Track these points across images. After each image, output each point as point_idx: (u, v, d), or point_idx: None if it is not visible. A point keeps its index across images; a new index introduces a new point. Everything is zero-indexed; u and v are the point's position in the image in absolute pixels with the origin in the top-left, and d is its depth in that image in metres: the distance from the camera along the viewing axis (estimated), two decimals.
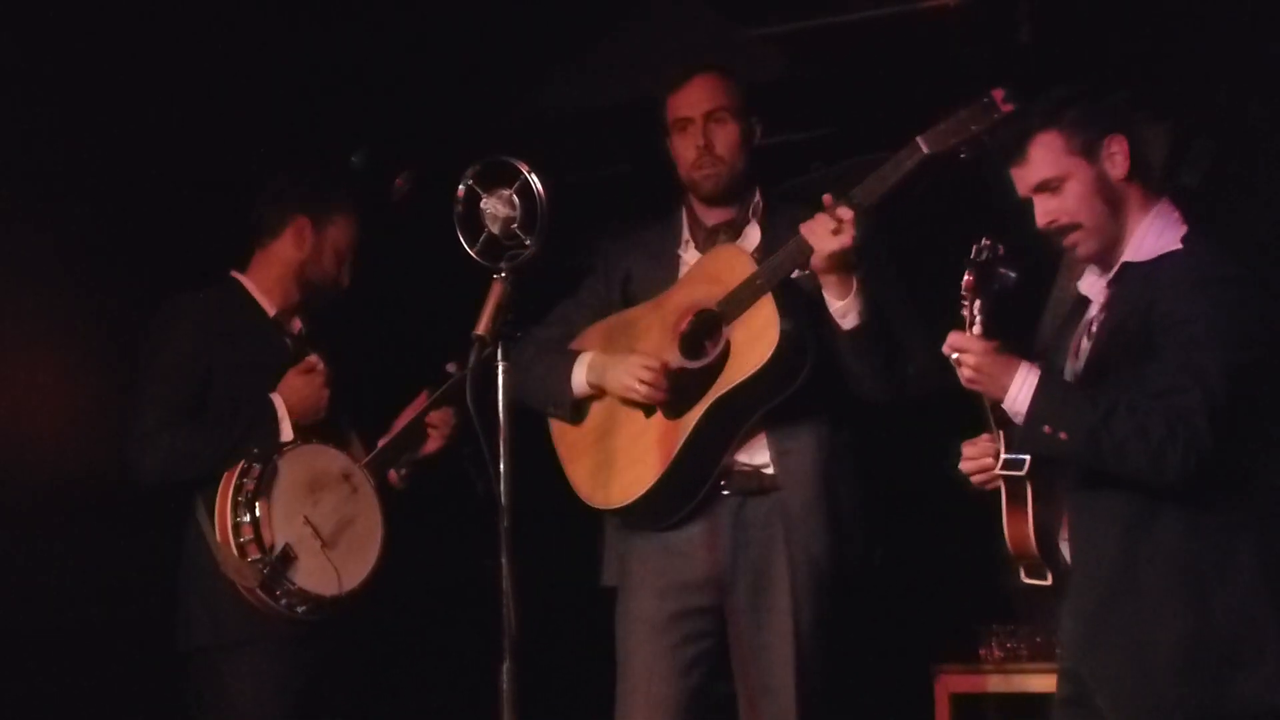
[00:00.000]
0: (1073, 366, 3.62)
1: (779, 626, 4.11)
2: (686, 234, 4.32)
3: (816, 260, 3.95)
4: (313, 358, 4.49)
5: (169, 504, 4.41)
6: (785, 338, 3.98)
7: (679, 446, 4.10)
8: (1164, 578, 3.42)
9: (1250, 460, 3.42)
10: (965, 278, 3.46)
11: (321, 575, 4.32)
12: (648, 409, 4.19)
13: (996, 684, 5.48)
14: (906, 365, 4.12)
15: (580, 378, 4.25)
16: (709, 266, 4.18)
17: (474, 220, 3.71)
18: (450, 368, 4.54)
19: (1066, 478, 3.56)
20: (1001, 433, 3.54)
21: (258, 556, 4.23)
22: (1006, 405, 3.48)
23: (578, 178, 4.47)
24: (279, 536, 4.26)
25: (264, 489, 4.26)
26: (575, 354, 4.28)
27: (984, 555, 5.56)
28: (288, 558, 4.26)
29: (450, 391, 4.54)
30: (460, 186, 3.73)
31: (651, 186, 4.43)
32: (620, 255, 4.38)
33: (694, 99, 4.25)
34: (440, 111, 5.54)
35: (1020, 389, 3.44)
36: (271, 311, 4.52)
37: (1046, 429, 3.42)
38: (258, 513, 4.24)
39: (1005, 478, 3.56)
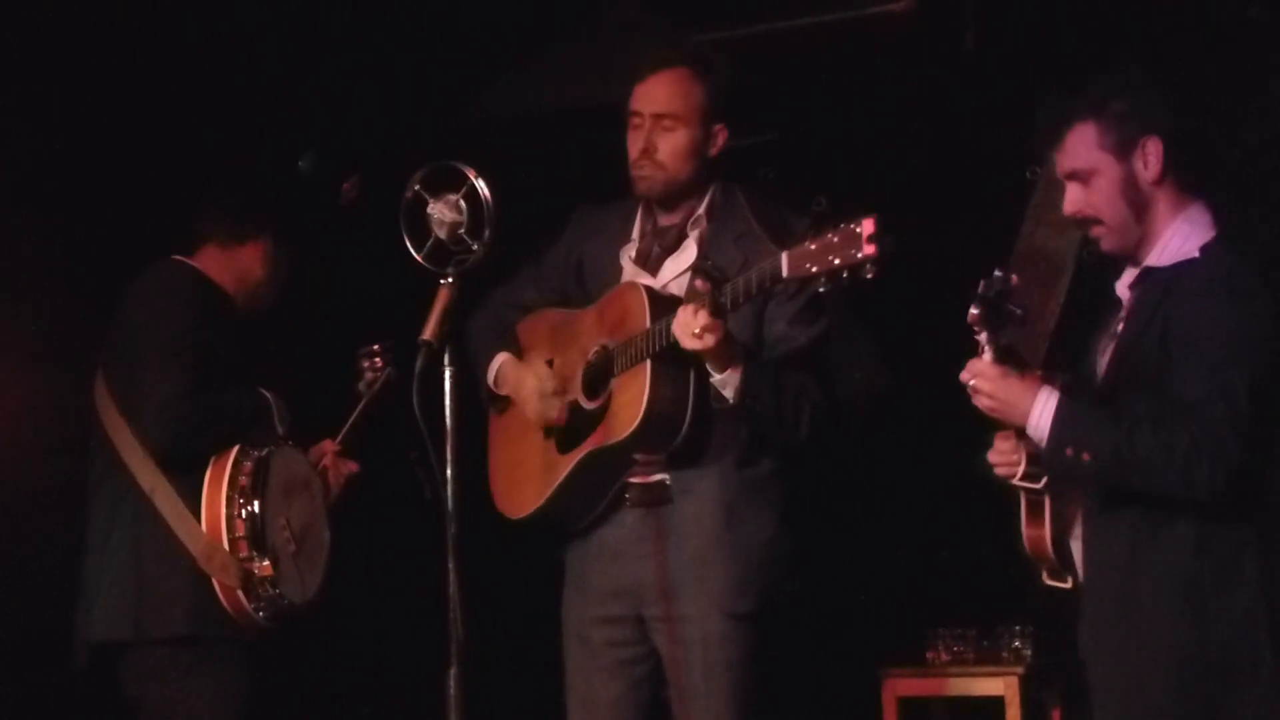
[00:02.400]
0: (1099, 369, 3.59)
1: (685, 636, 4.03)
2: (636, 230, 4.23)
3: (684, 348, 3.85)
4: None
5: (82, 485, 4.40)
6: (649, 414, 3.90)
7: (555, 485, 4.10)
8: (1166, 591, 3.40)
9: (1258, 476, 3.38)
10: (971, 311, 3.41)
11: (293, 581, 4.31)
12: (546, 430, 4.18)
13: (943, 687, 5.51)
14: (809, 417, 3.99)
15: (490, 379, 4.26)
16: (618, 302, 4.10)
17: (421, 225, 3.70)
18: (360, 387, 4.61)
19: (1084, 486, 3.55)
20: (1022, 443, 3.52)
21: (247, 555, 4.20)
22: (1030, 431, 3.44)
23: (525, 183, 4.46)
24: (270, 539, 4.24)
25: (259, 487, 4.22)
26: (497, 349, 4.26)
27: (931, 559, 5.64)
28: (274, 560, 4.24)
29: (384, 387, 4.58)
30: (407, 191, 3.72)
31: (599, 193, 4.42)
32: (582, 236, 4.29)
33: (649, 96, 4.13)
34: (388, 116, 5.53)
35: (1041, 414, 3.41)
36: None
37: (1069, 451, 3.38)
38: (255, 513, 4.21)
39: (1025, 489, 3.56)
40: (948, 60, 5.47)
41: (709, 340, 3.79)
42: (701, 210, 4.17)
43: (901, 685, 5.51)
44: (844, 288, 3.60)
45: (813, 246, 3.60)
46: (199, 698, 4.25)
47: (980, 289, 3.42)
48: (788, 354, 4.03)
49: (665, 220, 4.21)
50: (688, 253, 4.14)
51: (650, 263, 4.19)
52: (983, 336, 3.44)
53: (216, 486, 4.21)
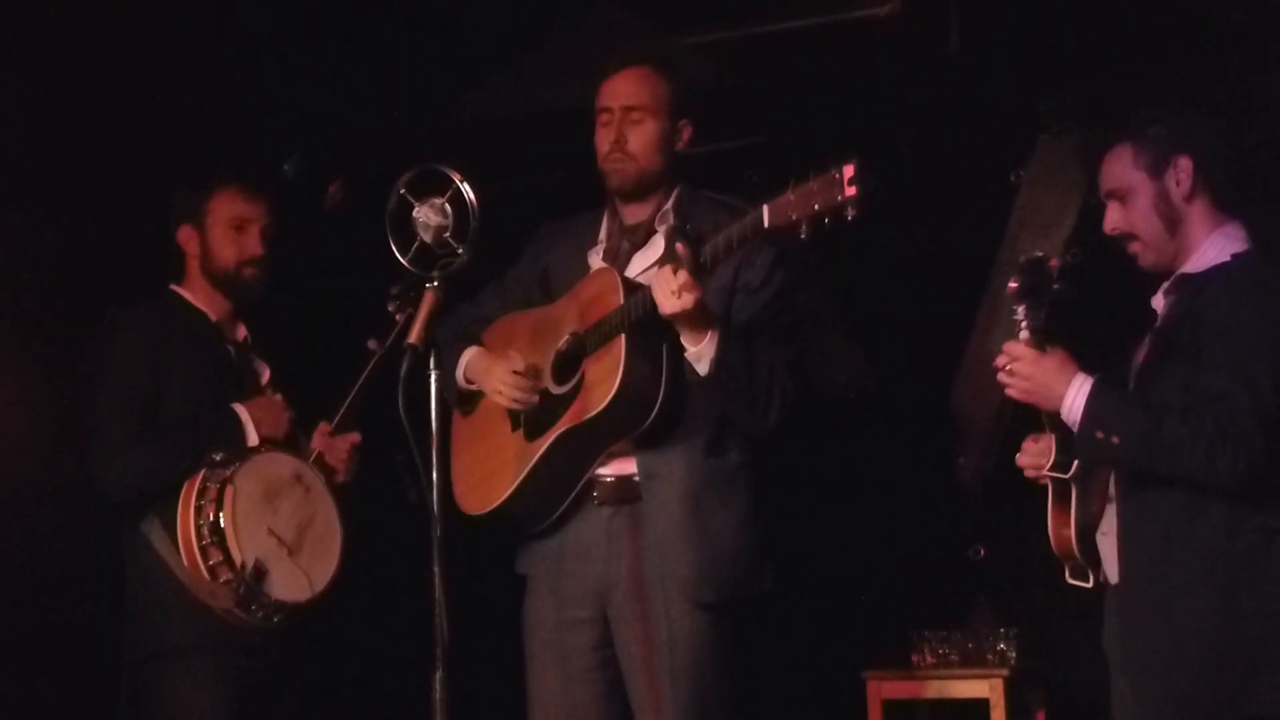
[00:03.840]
0: (1133, 369, 3.73)
1: (654, 637, 4.03)
2: (603, 233, 4.26)
3: (662, 312, 3.85)
4: (277, 397, 4.51)
5: (107, 511, 4.40)
6: (625, 385, 3.91)
7: (525, 472, 4.10)
8: (1198, 576, 3.51)
9: None
10: (1010, 284, 3.52)
11: (293, 583, 4.32)
12: (514, 422, 4.20)
13: (928, 690, 5.51)
14: (779, 403, 4.00)
15: (460, 374, 4.27)
16: (590, 287, 4.12)
17: (406, 229, 3.71)
18: (371, 344, 4.57)
19: (1117, 473, 3.67)
20: (1054, 435, 3.65)
21: (229, 577, 4.22)
22: (1064, 414, 3.56)
23: (511, 185, 4.45)
24: (248, 554, 4.24)
25: (224, 509, 4.23)
26: (464, 347, 4.29)
27: (916, 561, 5.64)
28: (260, 573, 4.25)
29: (376, 368, 4.55)
30: (392, 195, 3.73)
31: (584, 194, 4.42)
32: (546, 247, 4.34)
33: (616, 90, 4.19)
34: (373, 119, 5.53)
35: (1075, 397, 3.53)
36: (214, 317, 4.53)
37: (1099, 434, 3.50)
38: (224, 534, 4.22)
39: (1052, 479, 3.70)
40: (932, 63, 5.48)
41: (687, 300, 3.78)
42: (669, 205, 4.20)
43: (886, 688, 5.51)
44: (824, 236, 3.58)
45: (793, 196, 3.61)
46: (193, 702, 4.27)
47: (1022, 262, 3.53)
48: (758, 341, 4.04)
49: (632, 218, 4.23)
50: (655, 248, 4.14)
51: (619, 260, 4.20)
52: (1020, 310, 3.53)
53: (185, 521, 4.26)
